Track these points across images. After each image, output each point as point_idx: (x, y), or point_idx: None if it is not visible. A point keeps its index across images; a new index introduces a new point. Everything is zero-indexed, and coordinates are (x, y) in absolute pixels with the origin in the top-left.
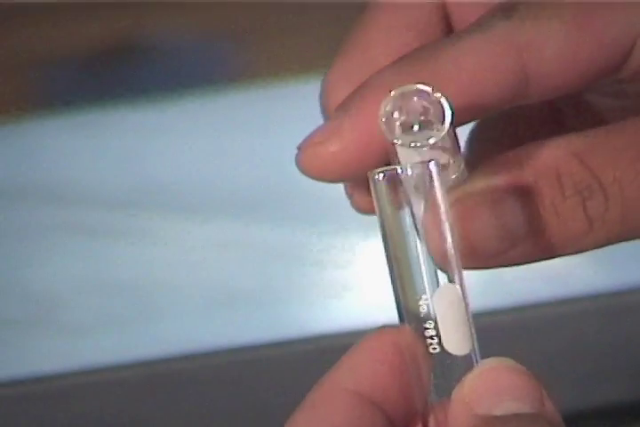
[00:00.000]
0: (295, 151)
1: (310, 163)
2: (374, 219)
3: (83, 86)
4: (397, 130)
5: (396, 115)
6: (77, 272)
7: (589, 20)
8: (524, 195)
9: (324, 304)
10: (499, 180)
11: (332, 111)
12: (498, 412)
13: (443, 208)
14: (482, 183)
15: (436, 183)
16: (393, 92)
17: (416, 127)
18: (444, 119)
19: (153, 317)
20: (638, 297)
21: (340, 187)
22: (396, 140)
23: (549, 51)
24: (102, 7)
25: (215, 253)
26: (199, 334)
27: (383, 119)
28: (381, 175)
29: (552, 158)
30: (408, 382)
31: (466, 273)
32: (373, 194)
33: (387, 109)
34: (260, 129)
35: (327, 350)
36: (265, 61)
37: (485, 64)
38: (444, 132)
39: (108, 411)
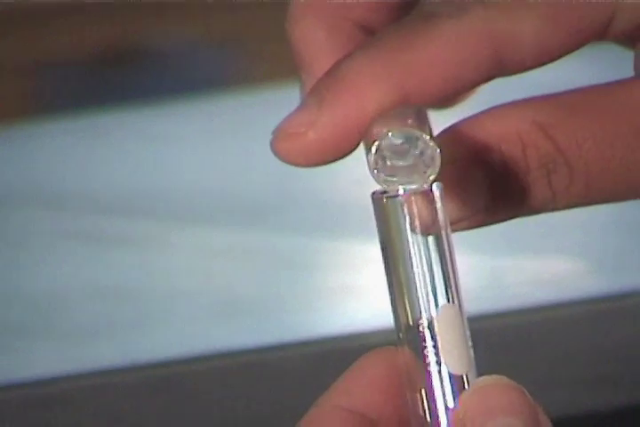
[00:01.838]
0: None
1: (287, 152)
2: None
3: (83, 92)
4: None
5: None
6: (79, 278)
7: (563, 6)
8: (487, 164)
9: (327, 309)
10: (462, 149)
11: (299, 47)
12: None
13: (444, 231)
14: (445, 152)
15: (438, 204)
16: (382, 142)
17: (402, 164)
18: (433, 163)
19: (155, 322)
20: (635, 301)
21: (342, 193)
22: (387, 188)
23: (525, 41)
24: (103, 12)
25: (217, 259)
26: (202, 339)
27: (374, 170)
28: (384, 197)
29: (516, 128)
30: (404, 401)
31: (462, 277)
32: (375, 215)
33: (375, 158)
34: (262, 134)
35: (331, 353)
36: (265, 66)
37: (461, 56)
38: (434, 176)
39: (109, 415)
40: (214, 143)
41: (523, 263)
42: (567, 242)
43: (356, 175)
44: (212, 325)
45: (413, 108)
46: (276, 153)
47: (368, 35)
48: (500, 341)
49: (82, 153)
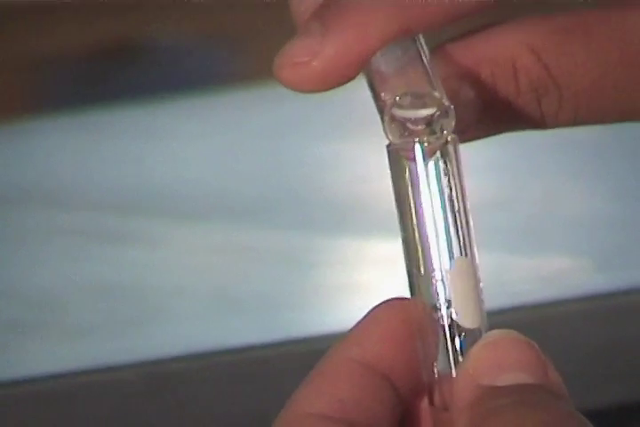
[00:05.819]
0: (295, 153)
1: (291, 80)
2: (378, 221)
3: (82, 89)
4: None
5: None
6: (77, 275)
7: None
8: (478, 83)
9: (328, 306)
10: (453, 67)
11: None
12: (501, 382)
13: (459, 183)
14: (437, 69)
15: (453, 157)
16: (396, 101)
17: (417, 121)
18: (446, 119)
19: (154, 319)
20: (637, 298)
21: (343, 190)
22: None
23: None
24: (102, 10)
25: (217, 257)
26: (201, 337)
27: (388, 127)
28: (399, 151)
29: (509, 50)
30: (415, 353)
31: None
32: (390, 168)
33: (389, 116)
34: (261, 131)
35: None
36: (264, 63)
37: None
38: (448, 130)
39: (108, 413)
40: (214, 140)
41: (524, 260)
42: (569, 239)
43: (357, 172)
44: (212, 322)
45: (416, 40)
46: (281, 80)
47: None
48: None
49: (80, 150)
